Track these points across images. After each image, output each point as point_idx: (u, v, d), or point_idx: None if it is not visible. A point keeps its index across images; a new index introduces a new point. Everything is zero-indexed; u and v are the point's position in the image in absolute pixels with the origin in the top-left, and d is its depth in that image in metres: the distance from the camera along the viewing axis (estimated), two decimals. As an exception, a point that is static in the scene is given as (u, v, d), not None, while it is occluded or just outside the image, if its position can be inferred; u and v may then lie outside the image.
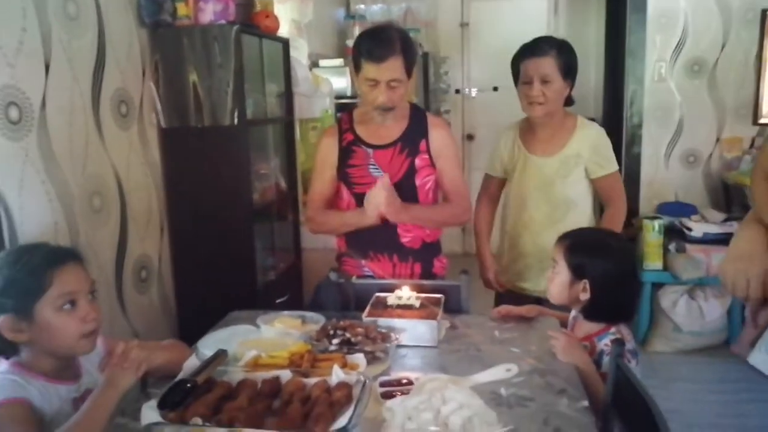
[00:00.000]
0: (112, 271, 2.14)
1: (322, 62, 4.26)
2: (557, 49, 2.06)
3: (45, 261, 1.25)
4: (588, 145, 2.13)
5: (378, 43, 1.84)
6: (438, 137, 2.01)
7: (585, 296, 1.58)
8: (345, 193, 2.04)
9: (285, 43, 2.88)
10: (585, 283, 1.58)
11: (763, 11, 3.73)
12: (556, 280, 1.64)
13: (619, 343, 1.45)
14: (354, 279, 1.98)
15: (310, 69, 3.61)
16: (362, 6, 5.25)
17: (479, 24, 5.39)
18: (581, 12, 5.27)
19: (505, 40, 5.19)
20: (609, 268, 1.58)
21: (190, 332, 2.35)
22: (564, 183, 2.14)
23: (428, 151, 2.00)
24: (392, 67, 1.84)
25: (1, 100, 1.64)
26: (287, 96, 2.90)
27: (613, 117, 4.53)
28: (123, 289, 2.19)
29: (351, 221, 2.00)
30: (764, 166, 1.32)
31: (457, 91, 5.44)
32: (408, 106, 2.04)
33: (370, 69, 1.84)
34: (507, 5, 5.36)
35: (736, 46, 3.83)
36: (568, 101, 2.15)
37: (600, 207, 2.28)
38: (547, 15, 5.32)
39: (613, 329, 1.58)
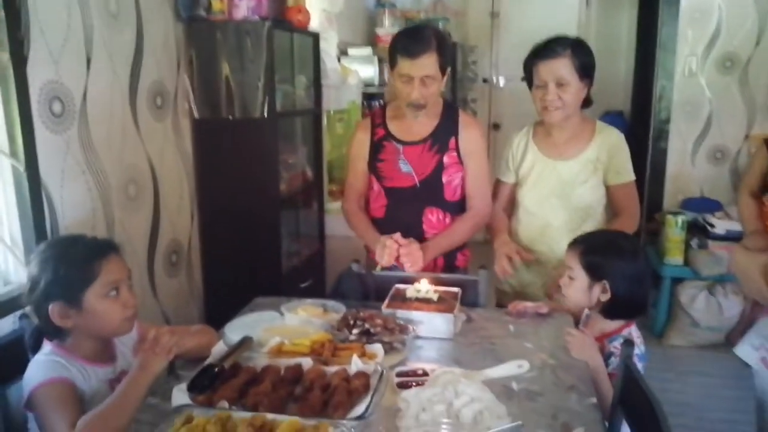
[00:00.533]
0: (144, 256, 2.24)
1: (351, 51, 4.31)
2: (572, 49, 1.94)
3: (91, 253, 1.35)
4: (608, 150, 2.04)
5: (414, 39, 1.89)
6: (469, 138, 2.04)
7: (605, 297, 1.62)
8: (376, 185, 2.10)
9: (315, 37, 2.94)
10: (604, 284, 1.62)
11: (800, 7, 3.67)
12: (574, 285, 1.67)
13: (629, 344, 1.49)
14: (376, 270, 2.04)
15: (338, 58, 3.66)
16: (392, -7, 5.28)
17: (509, 14, 5.38)
18: (613, 4, 5.22)
19: (535, 31, 5.13)
20: (624, 266, 1.62)
21: (216, 315, 2.47)
22: (584, 188, 2.05)
23: (457, 149, 2.03)
24: (426, 63, 1.87)
25: (46, 95, 1.73)
26: (316, 88, 2.97)
27: (642, 111, 4.51)
28: (154, 273, 2.30)
29: (367, 240, 2.08)
30: (749, 184, 1.37)
31: (485, 81, 5.45)
32: (441, 102, 2.06)
33: (404, 64, 1.89)
34: (538, -5, 5.33)
35: (770, 42, 3.77)
36: (586, 102, 2.05)
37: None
38: (579, 6, 5.29)
39: (625, 331, 1.62)
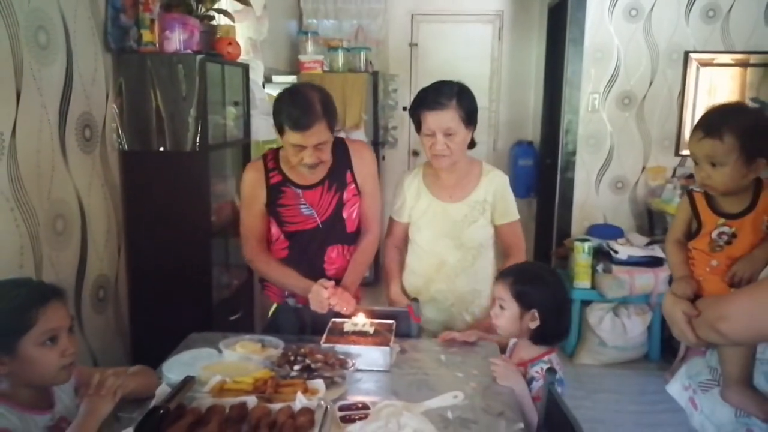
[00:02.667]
0: (72, 292, 2.18)
1: (276, 78, 4.36)
2: (457, 99, 2.00)
3: (30, 299, 1.32)
4: (493, 192, 2.14)
5: (300, 111, 1.84)
6: (362, 162, 2.11)
7: (534, 324, 1.74)
8: (274, 229, 2.11)
9: (245, 68, 2.97)
10: (533, 313, 1.73)
11: (686, 53, 4.09)
12: (505, 315, 1.77)
13: (551, 371, 1.63)
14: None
15: (263, 85, 3.70)
16: (314, 21, 5.38)
17: (427, 44, 5.61)
18: (523, 39, 5.55)
19: (452, 60, 5.50)
20: (551, 295, 1.75)
21: (143, 351, 2.44)
22: (473, 227, 2.14)
23: (354, 180, 2.10)
24: (317, 132, 1.87)
25: (-26, 131, 1.68)
26: (246, 118, 2.99)
27: (550, 142, 4.82)
28: (81, 310, 2.23)
29: (292, 288, 2.06)
30: (675, 232, 1.54)
31: (405, 108, 5.61)
32: None
33: (294, 136, 1.87)
34: (454, 28, 5.60)
35: (662, 83, 4.17)
36: (471, 144, 2.12)
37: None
38: (492, 39, 5.59)
39: (546, 357, 1.76)
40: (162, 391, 1.53)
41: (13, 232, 1.85)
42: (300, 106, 1.86)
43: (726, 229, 1.43)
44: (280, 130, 1.92)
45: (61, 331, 1.36)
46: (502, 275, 1.83)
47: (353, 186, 2.10)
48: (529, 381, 1.72)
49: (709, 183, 1.42)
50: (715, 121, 1.40)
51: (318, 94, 1.92)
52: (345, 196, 2.09)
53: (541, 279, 1.79)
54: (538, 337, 1.76)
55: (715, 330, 1.21)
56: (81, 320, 2.23)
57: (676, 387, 1.59)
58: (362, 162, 2.12)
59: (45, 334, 1.32)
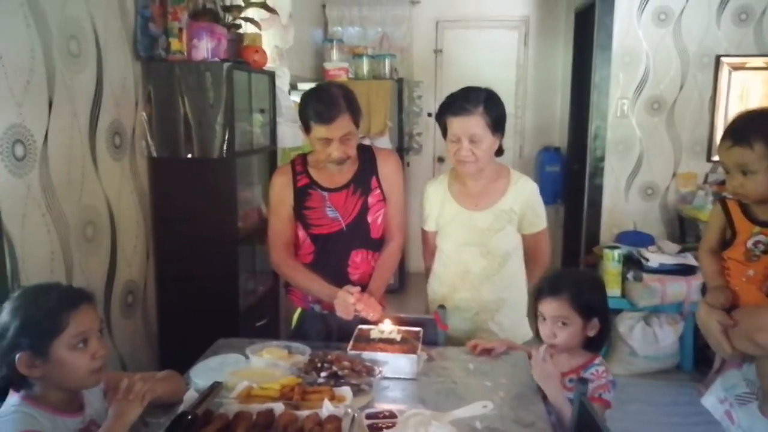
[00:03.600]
0: (101, 297, 2.21)
1: (301, 85, 4.37)
2: (484, 105, 1.97)
3: (62, 303, 1.33)
4: (521, 202, 2.10)
5: (324, 104, 1.90)
6: (389, 169, 2.12)
7: (595, 331, 1.71)
8: (301, 233, 2.11)
9: (271, 76, 3.00)
10: (595, 321, 1.70)
11: (717, 57, 4.00)
12: (569, 331, 1.70)
13: (583, 382, 1.59)
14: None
15: (289, 92, 3.72)
16: (339, 29, 5.41)
17: (452, 51, 5.59)
18: (550, 44, 5.50)
19: (476, 67, 5.47)
20: (603, 299, 1.75)
21: (172, 356, 2.46)
22: (499, 236, 2.09)
23: (380, 186, 2.10)
24: (342, 125, 1.91)
25: (9, 138, 1.71)
26: (272, 126, 3.01)
27: (578, 148, 4.76)
28: (111, 315, 2.26)
29: (318, 294, 2.06)
30: (709, 241, 1.49)
31: (429, 115, 5.60)
32: (356, 149, 2.07)
33: (320, 130, 1.91)
34: (479, 34, 5.57)
35: (692, 87, 4.09)
36: (499, 152, 2.09)
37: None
38: (517, 45, 5.55)
39: (597, 360, 1.72)
40: (190, 396, 1.53)
41: (44, 237, 1.88)
42: (324, 100, 1.92)
43: (762, 237, 1.38)
44: (307, 128, 1.97)
45: (92, 334, 1.37)
46: (553, 292, 1.73)
47: (378, 191, 2.10)
48: (582, 382, 1.66)
49: (741, 192, 1.38)
50: (744, 128, 1.36)
51: (341, 90, 1.98)
52: (370, 200, 2.09)
53: (596, 285, 1.78)
54: (592, 344, 1.74)
55: (753, 341, 1.17)
56: (110, 325, 2.26)
57: (712, 400, 1.53)
58: (388, 169, 2.12)
59: (76, 337, 1.33)
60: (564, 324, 1.70)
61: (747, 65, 4.00)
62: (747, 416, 1.43)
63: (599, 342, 1.76)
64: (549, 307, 1.71)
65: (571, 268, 2.12)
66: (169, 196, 2.52)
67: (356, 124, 1.98)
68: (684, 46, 4.05)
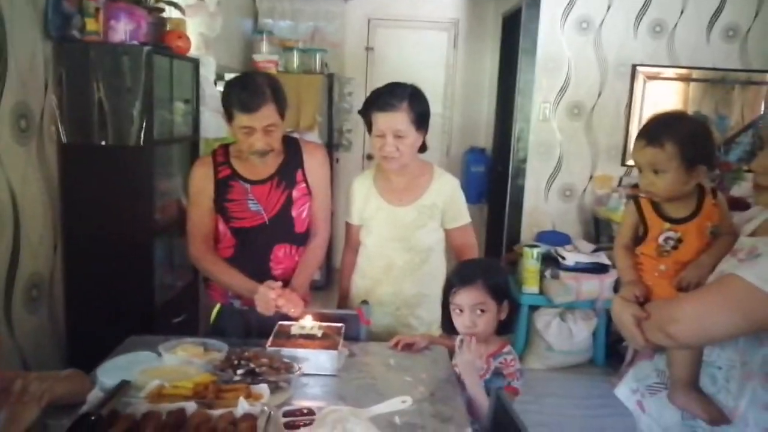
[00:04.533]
0: (2, 290, 2.06)
1: (228, 76, 4.24)
2: (409, 101, 1.98)
3: None
4: (444, 197, 2.13)
5: (248, 93, 1.86)
6: (314, 163, 2.09)
7: (505, 314, 1.75)
8: (221, 226, 2.06)
9: (195, 63, 2.89)
10: (505, 303, 1.75)
11: (633, 66, 4.20)
12: (487, 317, 1.73)
13: (499, 376, 1.62)
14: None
15: (215, 83, 3.61)
16: (270, 21, 5.31)
17: (383, 49, 5.60)
18: (478, 47, 5.61)
19: (407, 66, 5.50)
20: (508, 280, 1.80)
21: (82, 355, 2.31)
22: (422, 231, 2.13)
23: (305, 179, 2.08)
24: (266, 115, 1.88)
25: None
26: (195, 115, 2.90)
27: (502, 149, 4.87)
28: (12, 310, 2.11)
29: (238, 289, 2.01)
30: (623, 237, 1.55)
31: (359, 112, 5.58)
32: (281, 140, 2.06)
33: (243, 119, 1.87)
34: (410, 34, 5.61)
35: (610, 94, 4.28)
36: (422, 148, 2.11)
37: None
38: (447, 47, 5.63)
39: (506, 348, 1.76)
40: (94, 396, 1.44)
41: (-64, 225, 1.73)
42: (249, 89, 1.87)
43: (672, 233, 1.45)
44: (230, 116, 1.92)
45: None
46: (467, 281, 1.75)
47: (303, 185, 2.07)
48: (495, 373, 1.71)
49: (652, 189, 1.44)
50: (657, 129, 1.43)
51: (267, 79, 1.93)
52: (294, 194, 2.06)
53: (501, 269, 1.84)
54: (503, 327, 1.77)
55: (665, 333, 1.22)
56: (11, 321, 2.11)
57: (624, 390, 1.60)
58: (314, 162, 2.10)
59: None
60: (482, 311, 1.73)
61: (660, 75, 4.22)
62: (657, 405, 1.50)
63: (509, 325, 1.80)
64: (466, 296, 1.73)
65: (475, 258, 2.15)
66: (81, 185, 2.38)
67: (281, 115, 1.95)
68: (603, 54, 4.23)
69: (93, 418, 1.31)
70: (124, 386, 1.48)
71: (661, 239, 1.45)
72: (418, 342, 1.95)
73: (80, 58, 2.30)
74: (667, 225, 1.45)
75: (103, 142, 2.34)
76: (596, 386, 3.58)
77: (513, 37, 4.62)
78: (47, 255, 2.32)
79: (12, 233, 2.10)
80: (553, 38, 4.22)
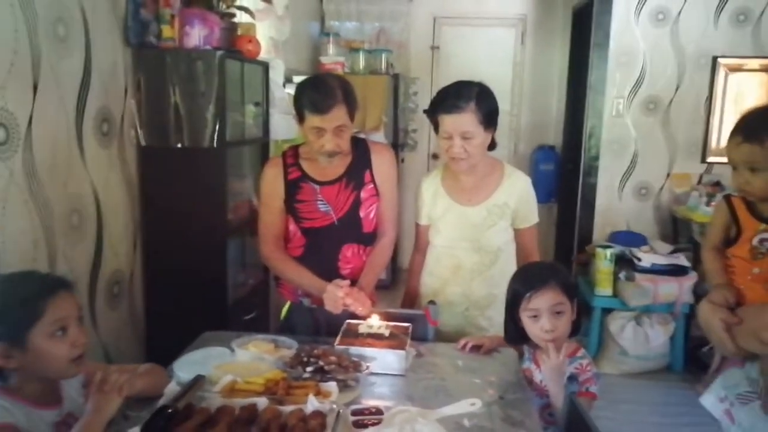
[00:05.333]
0: (86, 287, 2.17)
1: (296, 78, 4.33)
2: (476, 101, 1.93)
3: (38, 290, 1.30)
4: (516, 196, 2.09)
5: (320, 94, 1.87)
6: (382, 162, 2.08)
7: (574, 315, 1.69)
8: (291, 226, 2.08)
9: (265, 66, 2.96)
10: (575, 301, 1.69)
11: (714, 58, 3.99)
12: (566, 318, 1.67)
13: (572, 380, 1.57)
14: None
15: (284, 85, 3.68)
16: (336, 23, 5.37)
17: (449, 48, 5.56)
18: (547, 43, 5.48)
19: (473, 64, 5.43)
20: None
21: (159, 348, 2.41)
22: (492, 231, 2.09)
23: (373, 180, 2.07)
24: (337, 116, 1.88)
25: (-9, 121, 1.67)
26: (264, 117, 2.97)
27: (572, 147, 4.74)
28: (95, 305, 2.22)
29: (307, 287, 2.02)
30: (712, 239, 1.47)
31: (425, 111, 5.55)
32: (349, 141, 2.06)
33: (314, 119, 1.88)
34: (476, 32, 5.54)
35: (689, 88, 4.08)
36: (492, 146, 2.06)
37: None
38: (514, 44, 5.53)
39: (580, 353, 1.69)
40: (171, 390, 1.49)
41: (27, 225, 1.84)
42: (321, 90, 1.88)
43: None
44: (301, 117, 1.93)
45: (71, 322, 1.33)
46: (543, 282, 1.67)
47: (371, 186, 2.07)
48: (570, 378, 1.65)
49: (748, 189, 1.36)
50: (755, 124, 1.34)
51: (338, 81, 1.94)
52: (362, 195, 2.06)
53: (563, 267, 1.78)
54: (573, 328, 1.71)
55: (759, 339, 1.15)
56: (95, 316, 2.22)
57: (711, 399, 1.51)
58: (382, 163, 2.09)
59: (54, 324, 1.30)
60: (559, 313, 1.66)
61: (744, 67, 3.99)
62: (749, 415, 1.41)
63: (577, 326, 1.73)
64: (544, 298, 1.66)
65: (533, 261, 2.08)
66: (158, 186, 2.47)
67: (351, 116, 1.94)
68: (681, 46, 4.04)
69: (170, 410, 1.35)
70: (199, 381, 1.51)
71: (755, 241, 1.37)
72: (486, 344, 1.91)
73: (157, 64, 2.39)
74: (763, 226, 1.37)
75: (179, 145, 2.42)
76: (674, 393, 3.42)
77: (584, 31, 4.48)
78: (127, 253, 2.43)
79: (95, 232, 2.21)
80: (627, 31, 4.06)
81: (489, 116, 1.97)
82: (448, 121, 1.96)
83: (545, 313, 1.66)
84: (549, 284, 1.66)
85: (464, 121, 1.93)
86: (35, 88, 1.85)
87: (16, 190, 1.78)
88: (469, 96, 1.94)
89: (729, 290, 1.36)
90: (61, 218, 1.99)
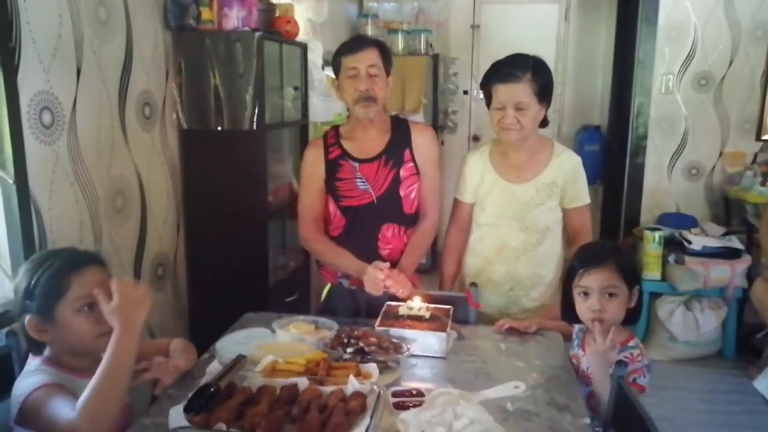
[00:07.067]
0: (131, 269, 2.21)
1: (335, 61, 4.31)
2: (532, 72, 1.90)
3: (65, 265, 1.33)
4: (564, 175, 2.03)
5: (354, 39, 2.05)
6: (423, 143, 2.07)
7: (633, 302, 1.61)
8: (331, 206, 2.07)
9: (303, 48, 2.94)
10: (636, 289, 1.62)
11: (772, 30, 3.79)
12: (616, 302, 1.60)
13: (620, 364, 1.51)
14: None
15: (323, 68, 3.67)
16: (375, 4, 5.30)
17: (490, 26, 5.43)
18: (592, 19, 5.30)
19: (515, 43, 5.24)
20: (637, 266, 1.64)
21: (202, 328, 2.45)
22: (539, 210, 2.04)
23: (413, 159, 2.05)
24: (369, 56, 1.94)
25: (36, 105, 1.70)
26: (303, 99, 2.96)
27: (619, 127, 4.59)
28: (140, 285, 2.26)
29: (347, 269, 2.02)
30: None
31: (465, 92, 5.48)
32: (389, 119, 2.09)
33: (347, 60, 1.95)
34: (518, 9, 5.40)
35: (743, 62, 3.89)
36: (544, 123, 2.02)
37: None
38: (558, 20, 5.36)
39: (632, 342, 1.62)
40: (213, 369, 1.51)
41: (73, 206, 1.88)
42: (354, 38, 2.09)
43: None
44: (337, 70, 2.00)
45: (99, 297, 1.32)
46: (599, 261, 1.61)
47: (411, 165, 2.04)
48: (621, 365, 1.58)
49: None
50: None
51: (373, 39, 2.09)
52: (402, 173, 2.03)
53: (630, 252, 1.69)
54: (629, 317, 1.63)
55: None
56: (140, 296, 2.26)
57: (765, 383, 1.44)
58: (423, 142, 2.07)
59: (79, 300, 1.32)
60: (611, 295, 1.59)
61: (804, 39, 3.77)
62: None
63: (636, 315, 1.66)
64: (596, 277, 1.60)
65: (600, 241, 2.00)
66: (200, 169, 2.50)
67: (386, 67, 1.99)
68: (736, 18, 3.85)
69: (212, 389, 1.36)
70: (240, 360, 1.52)
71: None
72: (527, 326, 1.86)
73: (197, 47, 2.40)
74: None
75: (220, 128, 2.43)
76: (725, 380, 3.29)
77: (631, 5, 4.31)
78: (171, 235, 2.46)
79: (139, 215, 2.25)
80: (677, 3, 3.89)
81: (544, 89, 1.93)
82: (502, 90, 1.92)
83: (596, 293, 1.60)
84: (605, 264, 1.60)
85: (519, 91, 1.89)
86: (78, 72, 1.88)
87: (62, 173, 1.82)
88: (526, 66, 1.90)
89: None
90: (105, 200, 2.03)
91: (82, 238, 1.90)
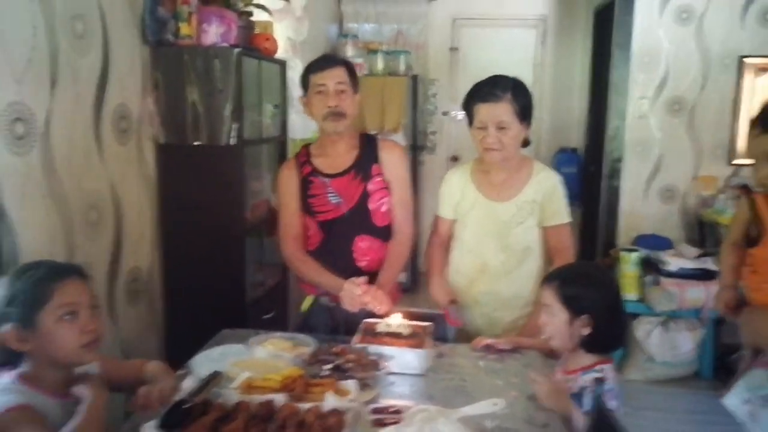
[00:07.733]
0: (105, 283, 2.16)
1: (314, 80, 4.32)
2: (512, 92, 1.93)
3: (48, 274, 1.32)
4: (543, 193, 2.03)
5: (322, 58, 2.10)
6: (390, 160, 2.11)
7: (586, 331, 1.57)
8: (310, 223, 2.09)
9: (282, 65, 2.94)
10: (584, 319, 1.57)
11: (740, 58, 3.90)
12: (553, 323, 1.61)
13: (599, 382, 1.50)
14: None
15: (303, 86, 3.67)
16: (355, 25, 5.36)
17: (468, 49, 5.51)
18: (568, 44, 5.41)
19: (493, 65, 5.29)
20: (602, 296, 1.59)
21: (177, 345, 2.40)
22: (520, 229, 2.04)
23: (381, 174, 2.08)
24: (337, 73, 2.01)
25: (8, 116, 1.66)
26: (282, 116, 2.95)
27: (595, 149, 4.66)
28: (115, 301, 2.21)
29: (326, 286, 2.03)
30: (732, 234, 1.41)
31: (445, 113, 5.53)
32: (358, 136, 2.14)
33: (316, 77, 2.00)
34: (496, 33, 5.49)
35: (714, 89, 3.98)
36: (525, 143, 2.04)
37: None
38: (535, 45, 5.46)
39: (598, 367, 1.59)
40: (188, 385, 1.47)
41: (45, 219, 1.83)
42: (322, 56, 2.14)
43: None
44: (306, 85, 2.05)
45: (81, 308, 1.33)
46: (547, 279, 1.68)
47: (379, 179, 2.08)
48: (579, 391, 1.56)
49: None
50: None
51: (341, 58, 2.16)
52: (370, 187, 2.07)
53: (591, 279, 1.64)
54: (591, 344, 1.60)
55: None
56: (114, 311, 2.22)
57: (734, 400, 1.44)
58: (390, 158, 2.11)
59: (62, 308, 1.30)
60: (548, 315, 1.62)
61: (772, 66, 3.88)
62: None
63: (605, 344, 1.63)
64: (540, 293, 1.67)
65: (581, 261, 2.01)
66: (177, 184, 2.46)
67: (353, 85, 2.04)
68: (706, 46, 3.95)
69: (187, 405, 1.33)
70: (216, 377, 1.49)
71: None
72: (502, 344, 1.84)
73: (175, 62, 2.38)
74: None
75: (197, 143, 2.41)
76: (702, 401, 3.31)
77: (606, 31, 4.41)
78: (146, 250, 2.42)
79: (114, 229, 2.20)
80: (650, 31, 3.98)
81: (524, 109, 1.96)
82: (483, 110, 1.94)
83: (543, 307, 1.65)
84: (549, 283, 1.65)
85: (500, 111, 1.92)
86: (53, 83, 1.85)
87: (34, 185, 1.78)
88: (506, 86, 1.94)
89: (728, 292, 1.30)
90: (79, 214, 1.99)
91: (53, 251, 1.85)
